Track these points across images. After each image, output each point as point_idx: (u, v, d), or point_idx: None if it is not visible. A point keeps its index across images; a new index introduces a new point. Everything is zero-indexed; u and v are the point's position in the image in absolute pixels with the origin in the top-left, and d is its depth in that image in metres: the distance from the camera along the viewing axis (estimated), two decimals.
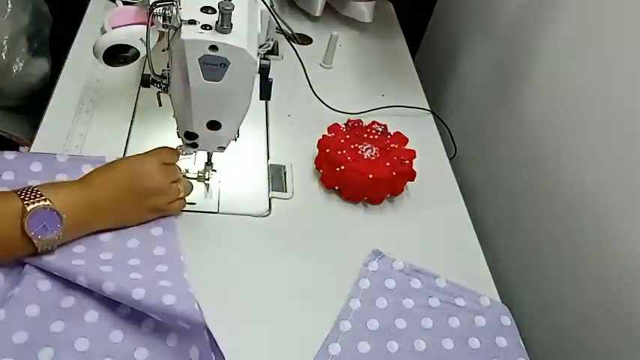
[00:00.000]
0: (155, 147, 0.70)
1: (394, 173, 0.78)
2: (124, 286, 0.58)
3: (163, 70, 0.64)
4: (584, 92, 0.78)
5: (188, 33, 0.57)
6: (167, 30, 0.61)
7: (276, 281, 0.69)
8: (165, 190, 0.68)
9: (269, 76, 0.66)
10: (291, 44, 0.81)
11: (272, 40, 0.76)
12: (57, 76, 0.88)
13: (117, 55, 0.75)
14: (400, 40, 1.16)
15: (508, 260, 0.89)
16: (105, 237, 0.66)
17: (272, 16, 0.73)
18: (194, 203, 0.74)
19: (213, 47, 0.58)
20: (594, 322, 0.72)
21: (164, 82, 0.65)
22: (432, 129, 0.97)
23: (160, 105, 0.67)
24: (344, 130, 0.84)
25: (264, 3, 0.70)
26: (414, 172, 0.81)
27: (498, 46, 1.01)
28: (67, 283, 0.60)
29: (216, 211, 0.74)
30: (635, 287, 0.66)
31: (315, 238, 0.75)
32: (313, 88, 0.88)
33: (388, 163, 0.79)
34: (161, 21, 0.62)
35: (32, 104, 1.00)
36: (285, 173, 0.82)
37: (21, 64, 1.02)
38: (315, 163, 0.83)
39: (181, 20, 0.58)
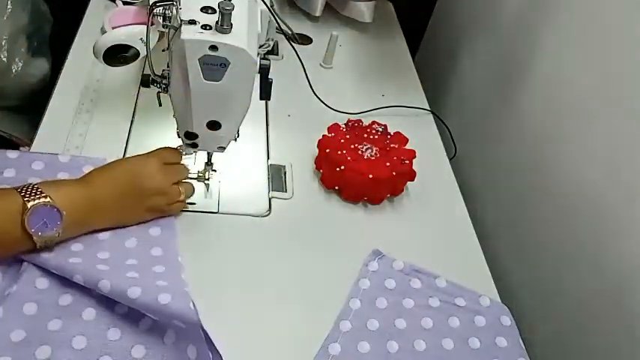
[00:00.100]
0: (155, 147, 0.70)
1: (394, 173, 0.78)
2: (120, 285, 0.58)
3: (163, 70, 0.64)
4: (584, 92, 0.78)
5: (188, 33, 0.57)
6: (167, 30, 0.61)
7: (276, 281, 0.69)
8: (165, 190, 0.68)
9: (269, 76, 0.66)
10: (291, 44, 0.81)
11: (272, 40, 0.76)
12: (57, 76, 0.88)
13: (117, 55, 0.75)
14: (400, 40, 1.16)
15: (508, 260, 0.89)
16: (103, 236, 0.66)
17: (272, 16, 0.73)
18: (194, 203, 0.74)
19: (213, 47, 0.58)
20: (594, 322, 0.72)
21: (164, 82, 0.65)
22: (432, 129, 0.97)
23: (160, 105, 0.67)
24: (344, 130, 0.84)
25: (264, 3, 0.70)
26: (414, 172, 0.81)
27: (498, 46, 1.01)
28: (65, 281, 0.60)
29: (216, 211, 0.74)
30: (635, 287, 0.66)
31: (315, 238, 0.75)
32: (313, 88, 0.88)
33: (388, 163, 0.79)
34: (161, 21, 0.62)
35: (32, 104, 1.00)
36: (285, 173, 0.82)
37: (20, 64, 1.02)
38: (315, 163, 0.83)
39: (181, 20, 0.58)
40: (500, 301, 0.73)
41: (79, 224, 0.62)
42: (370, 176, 0.77)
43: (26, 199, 0.57)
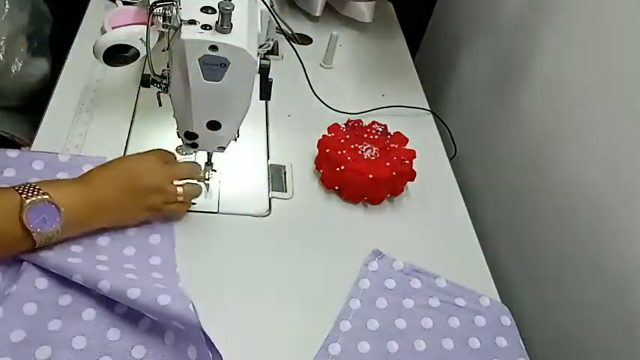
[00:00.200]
0: (155, 147, 0.70)
1: (394, 173, 0.78)
2: (120, 285, 0.58)
3: (163, 70, 0.64)
4: (584, 92, 0.78)
5: (188, 33, 0.57)
6: (167, 30, 0.61)
7: (276, 281, 0.69)
8: (162, 188, 0.67)
9: (269, 76, 0.66)
10: (291, 44, 0.81)
11: (272, 40, 0.76)
12: (57, 76, 0.88)
13: (117, 55, 0.76)
14: (400, 40, 1.16)
15: (508, 260, 0.89)
16: (102, 242, 0.66)
17: (272, 16, 0.73)
18: (194, 203, 0.74)
19: (213, 47, 0.58)
20: (594, 322, 0.72)
21: (164, 82, 0.65)
22: (432, 129, 0.97)
23: (160, 105, 0.67)
24: (344, 130, 0.84)
25: (264, 3, 0.70)
26: (414, 172, 0.81)
27: (498, 46, 1.01)
28: (65, 281, 0.60)
29: (216, 211, 0.74)
30: (635, 287, 0.66)
31: (315, 238, 0.75)
32: (313, 88, 0.88)
33: (388, 163, 0.79)
34: (161, 21, 0.62)
35: (32, 104, 1.00)
36: (285, 173, 0.82)
37: (20, 64, 1.02)
38: (315, 163, 0.83)
39: (181, 20, 0.58)
40: (500, 301, 0.73)
41: (78, 223, 0.62)
42: (370, 176, 0.77)
43: (24, 196, 0.57)
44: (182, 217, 0.71)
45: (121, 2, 0.87)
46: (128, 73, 0.88)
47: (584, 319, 0.74)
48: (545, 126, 0.85)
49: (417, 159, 0.81)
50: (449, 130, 1.00)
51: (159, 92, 0.66)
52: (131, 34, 0.75)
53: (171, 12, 0.61)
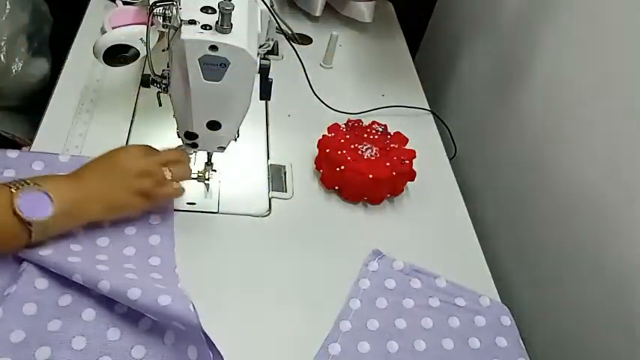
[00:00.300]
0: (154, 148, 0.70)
1: (394, 173, 0.78)
2: (120, 285, 0.58)
3: (163, 70, 0.64)
4: (584, 92, 0.77)
5: (188, 33, 0.57)
6: (167, 30, 0.61)
7: (276, 281, 0.69)
8: (150, 171, 0.66)
9: (269, 76, 0.66)
10: (291, 44, 0.81)
11: (272, 40, 0.76)
12: (57, 76, 0.88)
13: (117, 55, 0.76)
14: (400, 40, 1.16)
15: (508, 260, 0.89)
16: (102, 242, 0.66)
17: (272, 16, 0.73)
18: (194, 203, 0.74)
19: (213, 47, 0.58)
20: (594, 322, 0.72)
21: (164, 82, 0.65)
22: (432, 129, 0.97)
23: (160, 105, 0.67)
24: (344, 130, 0.84)
25: (264, 3, 0.70)
26: (414, 172, 0.81)
27: (498, 46, 1.01)
28: (65, 281, 0.60)
29: (216, 211, 0.74)
30: (635, 287, 0.66)
31: (315, 238, 0.75)
32: (313, 88, 0.88)
33: (388, 163, 0.79)
34: (161, 21, 0.62)
35: (32, 104, 1.00)
36: (285, 173, 0.82)
37: (20, 64, 1.02)
38: (315, 163, 0.83)
39: (181, 20, 0.58)
40: (500, 301, 0.73)
41: (70, 215, 0.62)
42: (370, 176, 0.77)
43: (13, 189, 0.58)
44: (179, 195, 0.69)
45: (121, 2, 0.87)
46: (128, 73, 0.88)
47: (584, 319, 0.74)
48: (545, 126, 0.85)
49: (417, 159, 0.81)
50: (449, 130, 1.00)
51: (159, 92, 0.66)
52: (131, 34, 0.75)
53: (171, 12, 0.61)
